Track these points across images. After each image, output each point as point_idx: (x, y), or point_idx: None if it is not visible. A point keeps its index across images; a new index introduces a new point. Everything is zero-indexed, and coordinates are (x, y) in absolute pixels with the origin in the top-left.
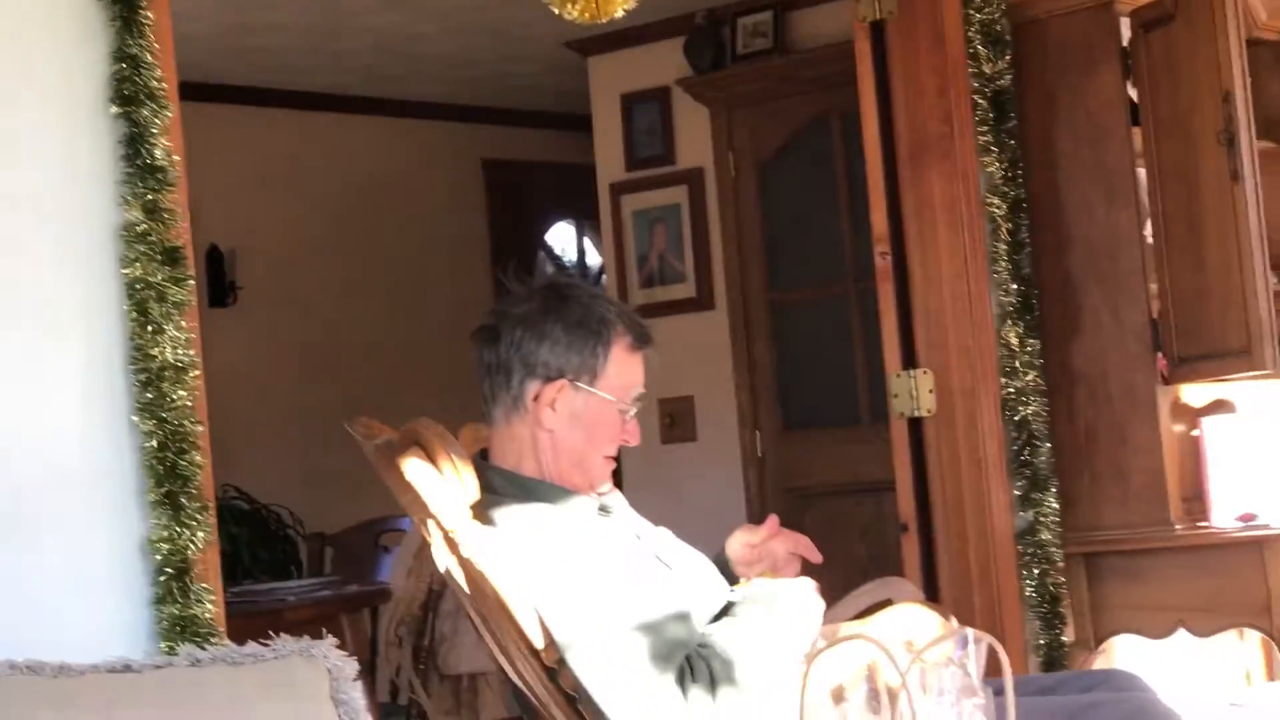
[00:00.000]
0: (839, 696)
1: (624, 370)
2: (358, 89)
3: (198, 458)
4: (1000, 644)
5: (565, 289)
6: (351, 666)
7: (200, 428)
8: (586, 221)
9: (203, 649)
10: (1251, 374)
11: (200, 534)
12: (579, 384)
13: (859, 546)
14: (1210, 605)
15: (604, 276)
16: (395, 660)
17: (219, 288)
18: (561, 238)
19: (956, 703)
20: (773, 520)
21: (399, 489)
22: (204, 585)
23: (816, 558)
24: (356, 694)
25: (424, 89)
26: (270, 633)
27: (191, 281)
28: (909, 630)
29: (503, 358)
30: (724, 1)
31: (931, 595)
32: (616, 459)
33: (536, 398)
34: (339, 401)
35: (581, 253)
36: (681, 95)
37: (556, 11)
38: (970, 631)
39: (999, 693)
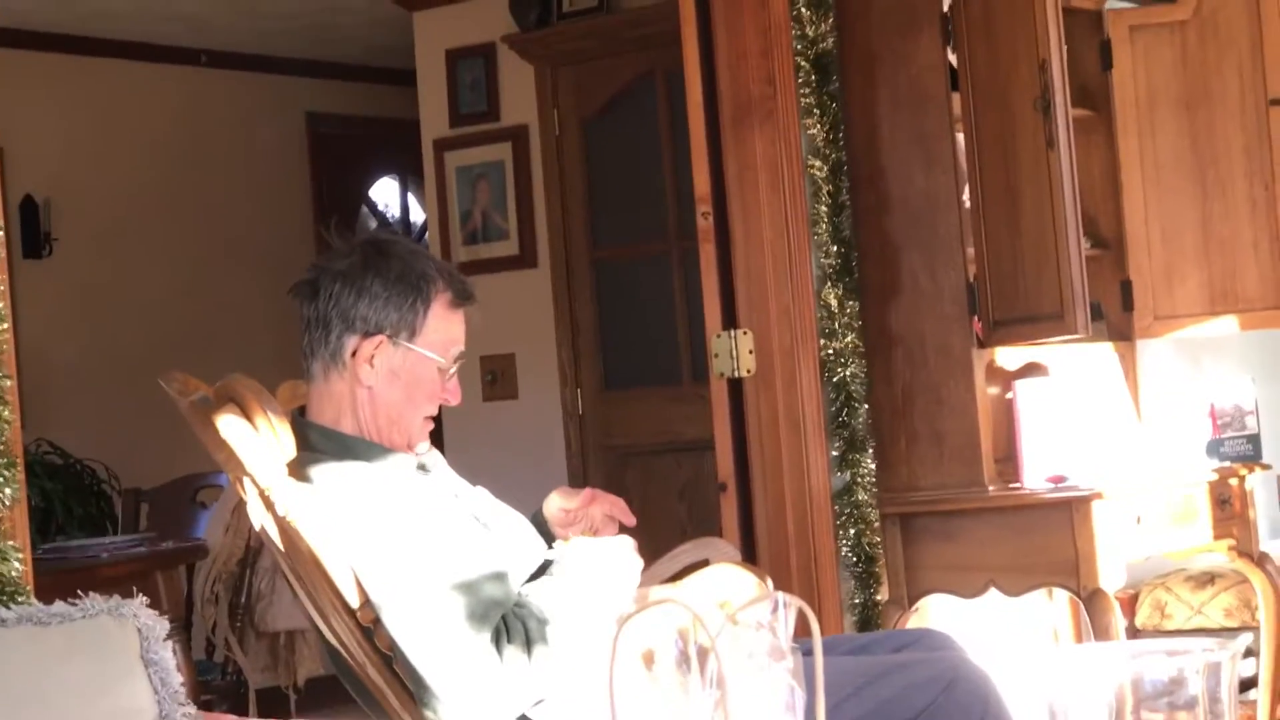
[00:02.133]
0: (650, 660)
1: (444, 327)
2: (181, 39)
3: (5, 413)
4: (814, 604)
5: (386, 244)
6: (162, 626)
7: (9, 382)
8: (411, 177)
9: (8, 608)
10: (1064, 338)
11: (7, 490)
12: (398, 340)
13: (679, 505)
14: (1020, 565)
15: (427, 233)
16: (211, 617)
17: (34, 239)
18: (385, 193)
19: (766, 665)
20: (589, 491)
21: (214, 446)
22: (11, 543)
23: (630, 520)
24: (167, 653)
25: (247, 40)
26: (81, 591)
27: (2, 233)
28: (725, 591)
29: (321, 312)
30: None
31: (749, 555)
32: (436, 418)
33: (354, 353)
34: (157, 356)
35: (405, 209)
36: (507, 52)
37: None
38: (781, 595)
39: (809, 654)
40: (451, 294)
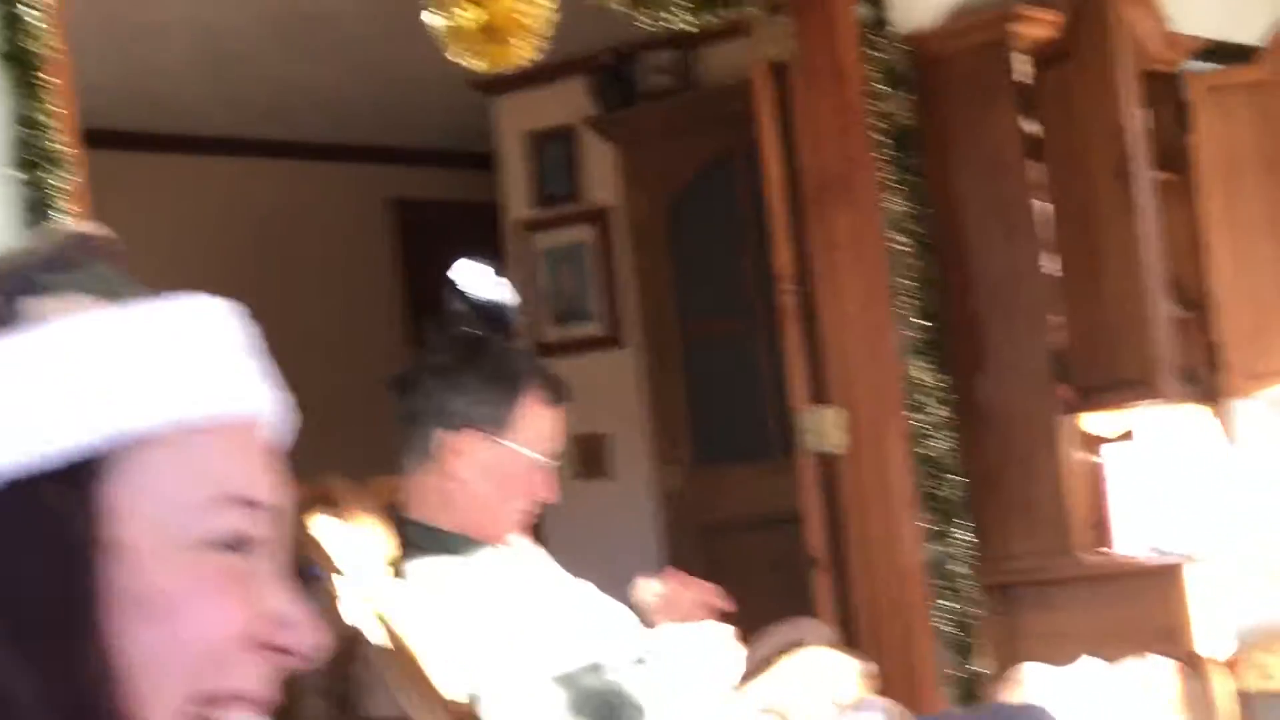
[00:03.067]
0: None
1: (536, 424)
2: (256, 131)
3: None
4: (911, 678)
5: (481, 342)
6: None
7: None
8: (496, 261)
9: None
10: (1152, 402)
11: None
12: (488, 435)
13: (772, 579)
14: (1117, 633)
15: (516, 315)
16: (315, 708)
17: None
18: (473, 276)
19: None
20: (670, 572)
21: (308, 546)
22: None
23: (725, 605)
24: None
25: (324, 130)
26: None
27: None
28: (821, 674)
29: (415, 407)
30: (630, 39)
31: (844, 629)
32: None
33: (446, 447)
34: None
35: (493, 291)
36: (588, 133)
37: (460, 60)
38: (873, 699)
39: None
40: (546, 392)
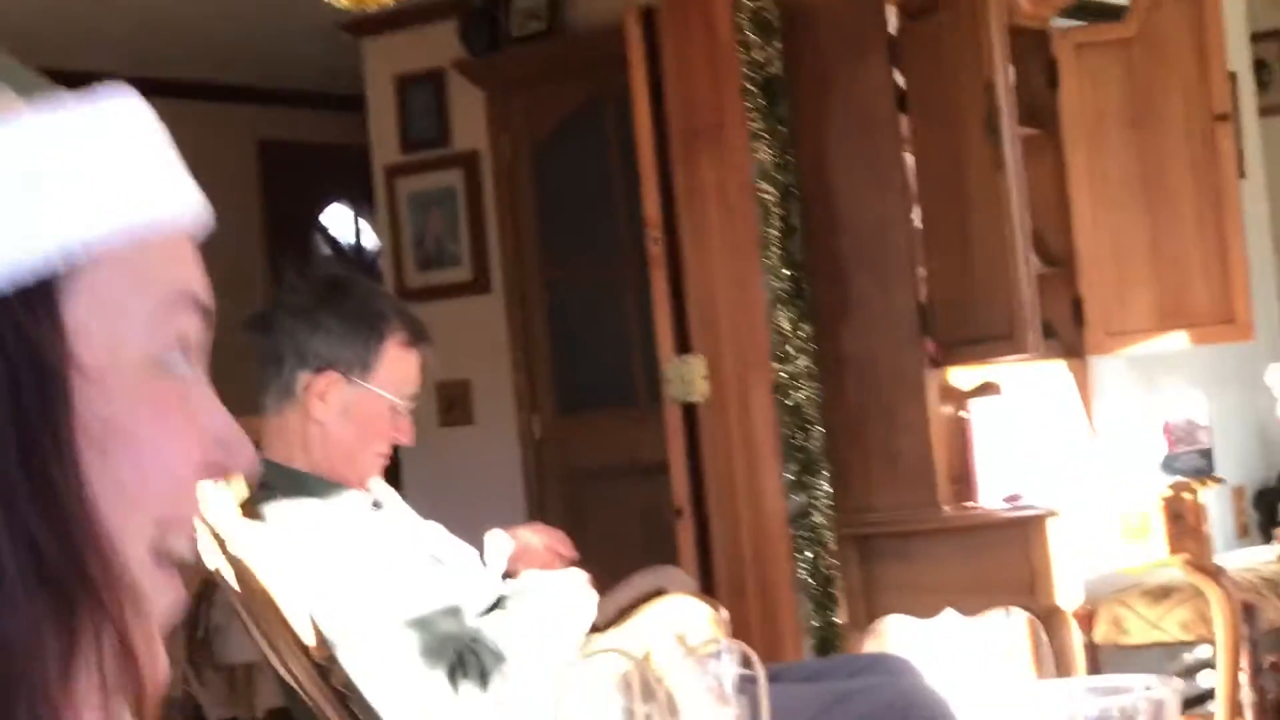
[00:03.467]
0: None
1: (398, 367)
2: (125, 68)
3: None
4: (772, 629)
5: (343, 282)
6: None
7: None
8: (362, 204)
9: None
10: (1016, 356)
11: None
12: (351, 377)
13: (637, 528)
14: (977, 586)
15: (380, 260)
16: (169, 654)
17: None
18: (338, 220)
19: (711, 711)
20: (530, 525)
21: None
22: None
23: (570, 553)
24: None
25: (195, 70)
26: None
27: None
28: (679, 623)
29: (275, 346)
30: None
31: (705, 580)
32: (391, 454)
33: (307, 388)
34: None
35: (358, 235)
36: (457, 78)
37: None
38: (724, 642)
39: (772, 678)
40: (407, 334)
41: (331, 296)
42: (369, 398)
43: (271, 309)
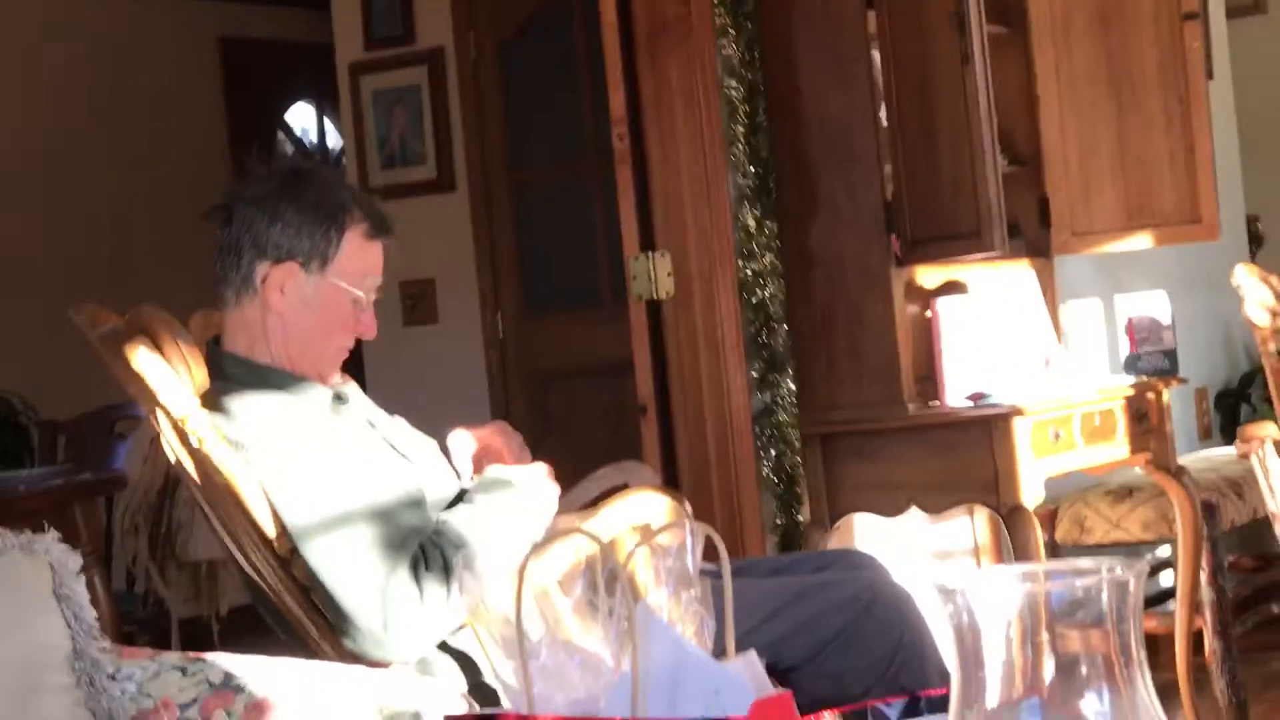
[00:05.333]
0: (567, 590)
1: (359, 257)
2: None
3: None
4: (735, 526)
5: (304, 172)
6: (75, 560)
7: None
8: (326, 102)
9: None
10: (981, 255)
11: None
12: (310, 269)
13: (602, 428)
14: (941, 484)
15: (344, 158)
16: (131, 549)
17: None
18: (301, 118)
19: (674, 594)
20: (494, 424)
21: (126, 379)
22: None
23: (527, 459)
24: (80, 588)
25: None
26: None
27: None
28: (642, 516)
29: (234, 238)
30: None
31: (670, 477)
32: (355, 345)
33: (265, 280)
34: (72, 286)
35: (322, 134)
36: None
37: None
38: (688, 523)
39: (736, 573)
40: (368, 225)
41: (292, 186)
42: (329, 289)
43: (230, 199)
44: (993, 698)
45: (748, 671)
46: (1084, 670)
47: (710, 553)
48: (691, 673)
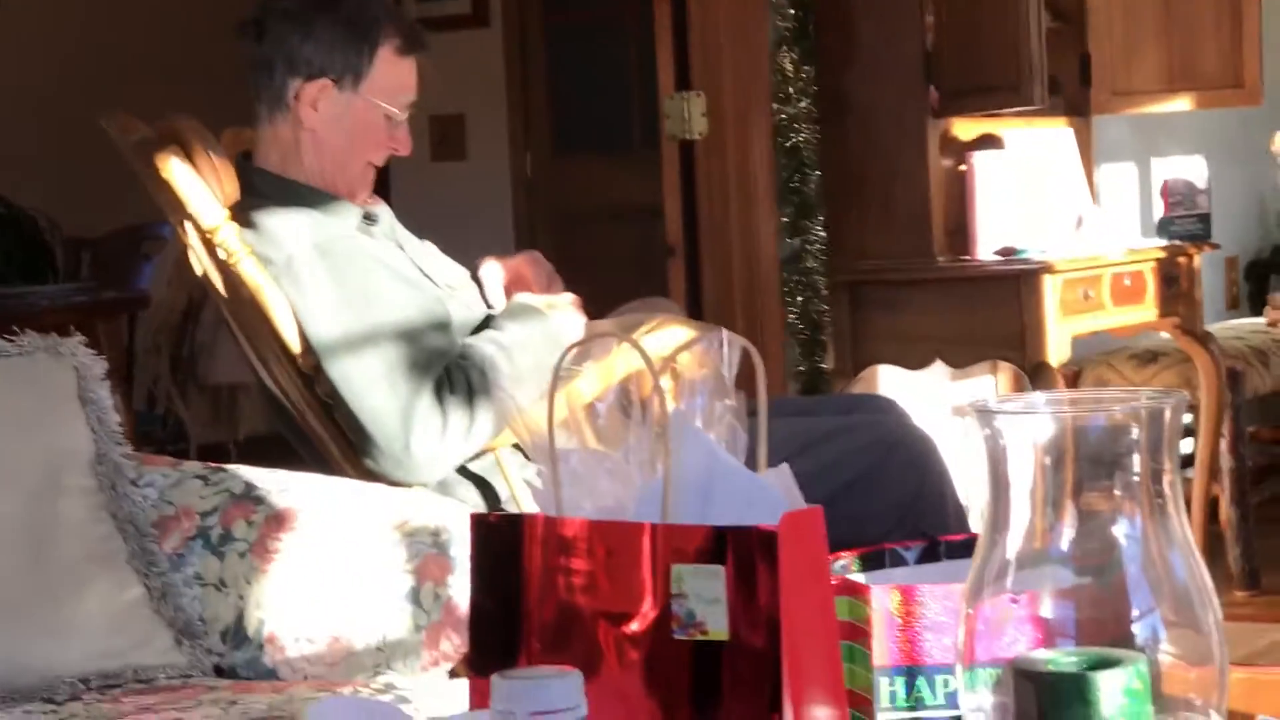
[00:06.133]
0: (592, 400)
1: (392, 73)
2: None
3: None
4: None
5: None
6: (100, 365)
7: None
8: None
9: None
10: (1020, 110)
11: None
12: (343, 85)
13: (628, 272)
14: (967, 338)
15: None
16: (153, 369)
17: None
18: None
19: (709, 404)
20: (525, 254)
21: (156, 188)
22: None
23: (559, 287)
24: (104, 393)
25: None
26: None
27: None
28: (669, 342)
29: (266, 53)
30: None
31: (695, 318)
32: (384, 173)
33: (298, 96)
34: (98, 99)
35: None
36: None
37: None
38: (724, 333)
39: (755, 412)
40: (402, 40)
41: (324, 1)
42: (363, 106)
43: (262, 14)
44: (1022, 528)
45: (780, 484)
46: (1118, 495)
47: (741, 377)
48: (724, 482)
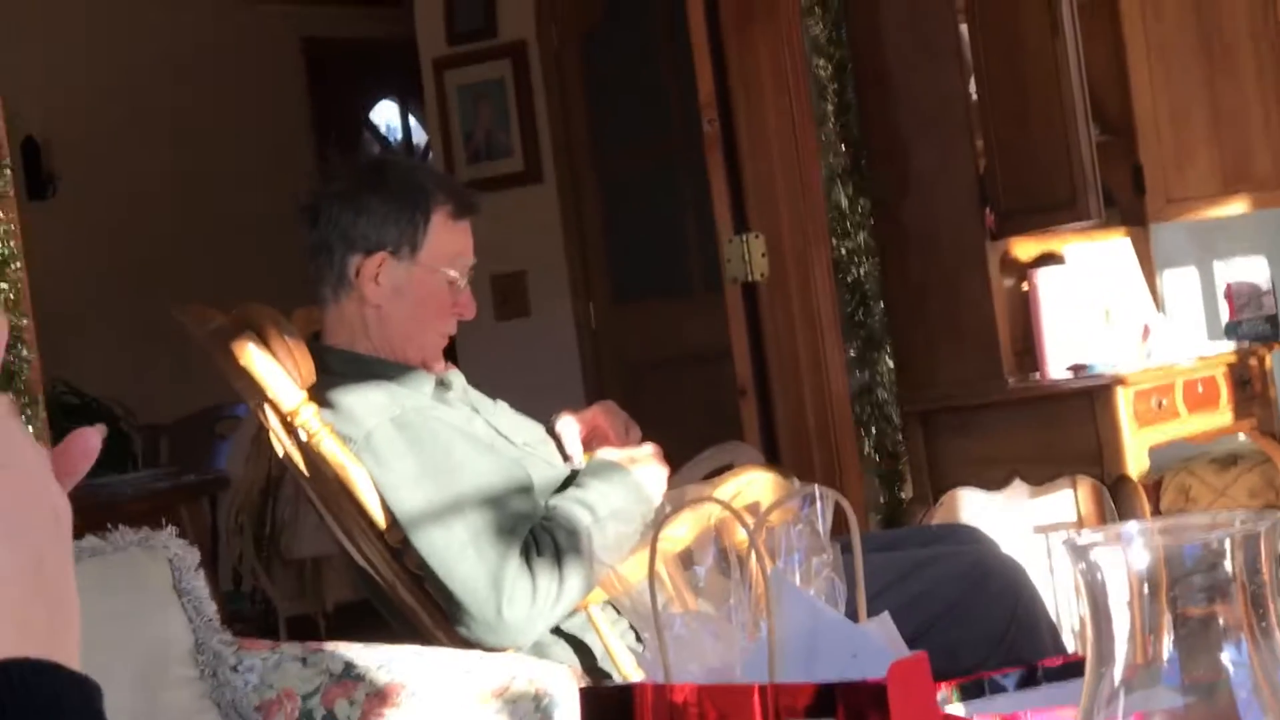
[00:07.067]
0: (687, 561)
1: (447, 239)
2: None
3: (24, 352)
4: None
5: (382, 163)
6: (194, 556)
7: (25, 321)
8: (410, 99)
9: None
10: (1077, 225)
11: (30, 429)
12: (400, 256)
13: (698, 416)
14: (1044, 456)
15: (430, 154)
16: (237, 548)
17: (37, 180)
18: (386, 116)
19: (805, 560)
20: (598, 405)
21: (234, 375)
22: None
23: (637, 433)
24: (200, 583)
25: None
26: (108, 525)
27: (9, 172)
28: (754, 491)
29: (324, 236)
30: None
31: (771, 459)
32: (451, 337)
33: (358, 273)
34: (166, 290)
35: (407, 131)
36: None
37: None
38: (816, 488)
39: (846, 549)
40: (453, 205)
41: (372, 178)
42: (422, 274)
43: (315, 199)
44: (1126, 655)
45: (883, 633)
46: (1220, 623)
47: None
48: (827, 636)
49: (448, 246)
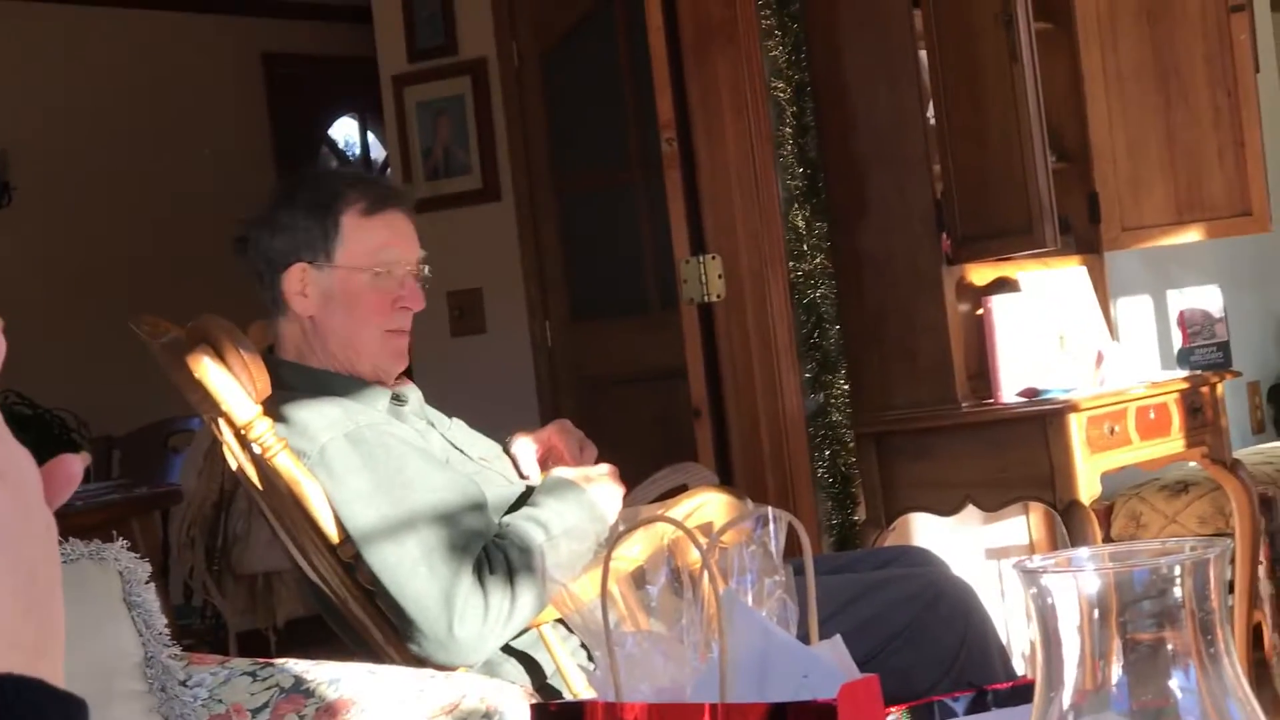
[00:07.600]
0: (640, 581)
1: (363, 236)
2: None
3: None
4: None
5: (293, 178)
6: (144, 568)
7: None
8: (370, 115)
9: None
10: (1033, 252)
11: None
12: (318, 264)
13: (653, 435)
14: (997, 480)
15: (389, 170)
16: (188, 562)
17: None
18: (345, 132)
19: (758, 581)
20: (555, 424)
21: (187, 387)
22: None
23: (592, 451)
24: (150, 596)
25: None
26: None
27: None
28: (707, 512)
29: (252, 262)
30: None
31: (725, 480)
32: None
33: (285, 290)
34: (121, 302)
35: (366, 147)
36: None
37: None
38: (770, 510)
39: (798, 571)
40: (366, 202)
41: (284, 195)
42: (344, 276)
43: (243, 229)
44: (1075, 680)
45: (835, 655)
46: (1170, 649)
47: (793, 530)
48: (779, 657)
49: (365, 243)
